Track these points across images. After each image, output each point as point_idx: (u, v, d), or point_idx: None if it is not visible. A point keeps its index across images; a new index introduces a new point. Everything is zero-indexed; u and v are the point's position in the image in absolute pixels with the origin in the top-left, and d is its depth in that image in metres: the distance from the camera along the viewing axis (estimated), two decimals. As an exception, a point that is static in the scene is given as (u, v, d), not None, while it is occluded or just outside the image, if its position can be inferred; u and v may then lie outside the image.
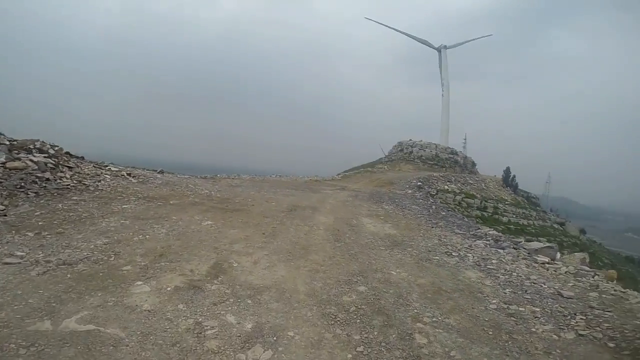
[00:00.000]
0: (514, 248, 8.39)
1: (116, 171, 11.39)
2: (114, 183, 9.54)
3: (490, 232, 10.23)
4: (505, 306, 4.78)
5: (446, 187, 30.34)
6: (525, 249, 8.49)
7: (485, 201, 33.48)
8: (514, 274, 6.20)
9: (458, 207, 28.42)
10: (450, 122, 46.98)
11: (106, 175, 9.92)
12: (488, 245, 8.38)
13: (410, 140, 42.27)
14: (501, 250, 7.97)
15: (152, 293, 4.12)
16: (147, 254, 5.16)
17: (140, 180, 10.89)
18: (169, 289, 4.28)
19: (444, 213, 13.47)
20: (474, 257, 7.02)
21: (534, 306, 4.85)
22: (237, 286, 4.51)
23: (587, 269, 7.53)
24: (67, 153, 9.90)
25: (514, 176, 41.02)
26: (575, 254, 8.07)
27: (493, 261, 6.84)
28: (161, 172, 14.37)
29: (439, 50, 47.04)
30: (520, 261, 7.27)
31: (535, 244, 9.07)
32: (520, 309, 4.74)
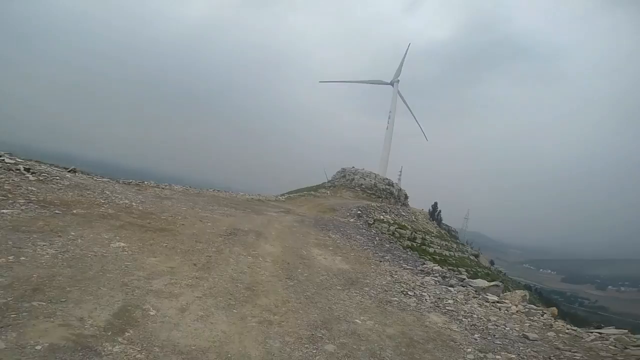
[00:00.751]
0: (462, 286, 8.13)
1: (11, 164, 8.82)
2: (1, 178, 7.21)
3: (436, 268, 9.90)
4: (482, 355, 4.29)
5: (382, 217, 30.96)
6: (472, 286, 8.22)
7: (415, 232, 34.75)
8: (474, 315, 5.92)
9: (392, 236, 29.15)
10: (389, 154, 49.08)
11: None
12: (437, 283, 8.10)
13: (353, 167, 42.76)
14: (451, 289, 7.68)
15: (6, 356, 2.53)
16: (12, 285, 3.44)
17: (41, 178, 8.51)
18: (37, 348, 2.71)
19: (388, 245, 13.07)
20: (429, 296, 6.67)
21: (508, 352, 4.48)
22: (155, 348, 3.07)
23: (535, 307, 7.43)
24: None
25: (440, 211, 43.67)
26: (517, 291, 8.01)
27: (449, 301, 6.64)
28: (73, 170, 11.73)
29: (391, 84, 49.44)
30: (472, 300, 7.02)
31: (480, 282, 8.85)
32: (497, 356, 4.31)
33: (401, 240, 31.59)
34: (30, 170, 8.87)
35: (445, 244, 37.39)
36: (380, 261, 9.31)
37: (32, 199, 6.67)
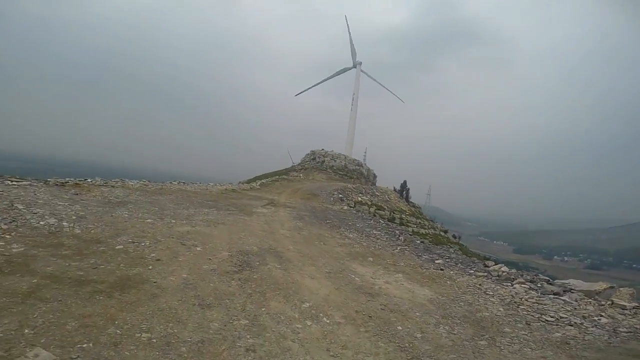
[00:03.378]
0: (565, 290, 5.88)
1: None
2: None
3: (503, 269, 7.45)
4: None
5: (360, 198, 29.24)
6: (574, 290, 5.94)
7: (393, 212, 33.30)
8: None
9: (373, 218, 27.62)
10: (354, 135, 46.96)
11: None
12: (532, 290, 5.96)
13: (323, 149, 39.97)
14: (563, 298, 5.55)
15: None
16: None
17: None
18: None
19: (404, 237, 10.66)
20: (578, 319, 4.66)
21: None
22: None
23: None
24: None
25: (409, 189, 42.80)
26: (621, 289, 5.81)
27: (603, 320, 4.77)
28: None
29: (355, 65, 46.53)
30: (593, 308, 5.19)
31: (577, 283, 6.54)
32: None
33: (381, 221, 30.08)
34: None
35: (420, 222, 36.59)
36: (442, 269, 6.91)
37: None
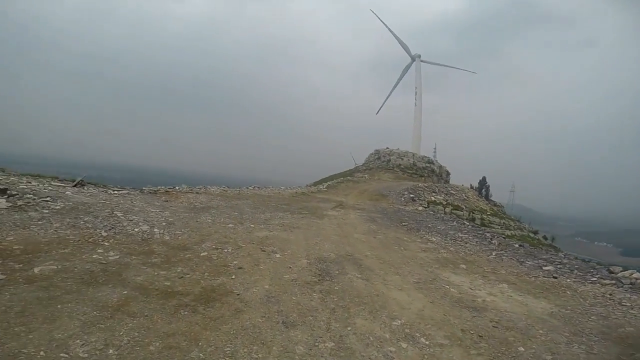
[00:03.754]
0: None
1: None
2: None
3: (636, 276, 5.78)
4: None
5: (433, 198, 27.24)
6: None
7: (472, 212, 30.24)
8: None
9: (456, 220, 25.72)
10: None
11: None
12: None
13: (387, 148, 38.39)
14: None
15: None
16: None
17: (20, 204, 5.26)
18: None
19: (495, 241, 9.20)
20: None
21: None
22: None
23: None
24: None
25: (489, 186, 38.68)
26: None
27: None
28: (80, 183, 8.51)
29: (413, 59, 44.14)
30: None
31: None
32: None
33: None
34: (8, 192, 5.65)
35: (504, 222, 32.65)
36: (554, 276, 5.68)
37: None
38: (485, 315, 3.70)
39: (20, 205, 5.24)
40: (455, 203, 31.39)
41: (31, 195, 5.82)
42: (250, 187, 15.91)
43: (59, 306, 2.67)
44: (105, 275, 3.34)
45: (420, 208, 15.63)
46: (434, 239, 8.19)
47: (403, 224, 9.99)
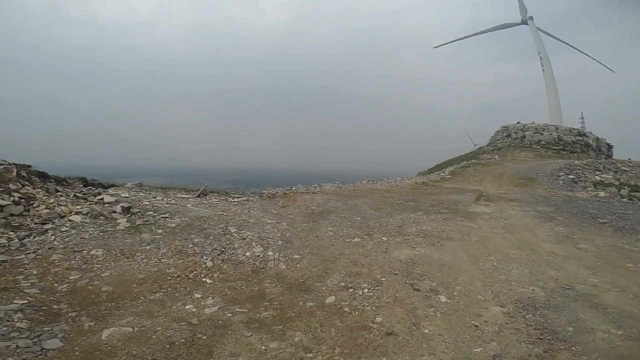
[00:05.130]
0: None
1: (111, 203, 5.58)
2: (64, 237, 3.63)
3: None
4: None
5: (597, 177, 20.51)
6: None
7: (668, 194, 21.44)
8: None
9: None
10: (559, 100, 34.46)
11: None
12: None
13: (519, 123, 31.09)
14: None
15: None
16: None
17: (138, 223, 4.84)
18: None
19: None
20: None
21: None
22: None
23: None
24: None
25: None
26: None
27: None
28: (203, 193, 8.27)
29: (525, 22, 34.69)
30: None
31: None
32: None
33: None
34: (132, 210, 5.39)
35: None
36: None
37: (60, 289, 2.58)
38: None
39: (138, 225, 4.77)
40: (632, 182, 23.41)
41: (152, 212, 5.43)
42: (364, 181, 14.14)
43: None
44: (189, 355, 2.04)
45: (602, 194, 11.13)
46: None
47: (599, 220, 6.66)
